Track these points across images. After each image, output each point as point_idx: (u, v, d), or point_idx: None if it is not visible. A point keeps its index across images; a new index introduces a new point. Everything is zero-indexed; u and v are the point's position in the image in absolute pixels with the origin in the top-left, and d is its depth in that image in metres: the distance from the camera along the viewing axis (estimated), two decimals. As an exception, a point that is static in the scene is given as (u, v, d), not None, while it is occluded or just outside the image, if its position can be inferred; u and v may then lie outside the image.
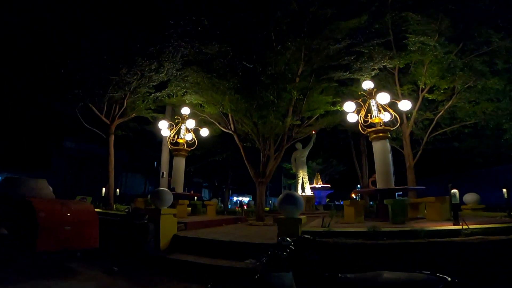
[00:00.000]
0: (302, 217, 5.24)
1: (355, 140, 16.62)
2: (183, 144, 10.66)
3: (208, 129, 11.51)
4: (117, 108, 11.56)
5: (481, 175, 15.55)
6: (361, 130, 9.10)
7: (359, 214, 7.20)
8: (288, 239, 3.05)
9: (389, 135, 8.53)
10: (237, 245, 5.59)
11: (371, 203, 14.29)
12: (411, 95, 10.75)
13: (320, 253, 3.20)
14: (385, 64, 8.71)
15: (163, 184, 12.02)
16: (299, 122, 10.01)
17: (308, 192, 17.70)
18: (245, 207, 17.74)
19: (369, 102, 8.87)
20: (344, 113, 11.99)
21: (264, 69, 8.36)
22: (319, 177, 25.46)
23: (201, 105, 12.61)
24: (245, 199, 38.56)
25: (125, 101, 11.11)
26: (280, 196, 5.24)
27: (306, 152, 17.72)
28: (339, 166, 29.81)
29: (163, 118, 11.84)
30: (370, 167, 16.06)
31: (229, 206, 25.24)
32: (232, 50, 8.68)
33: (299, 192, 17.67)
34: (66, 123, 16.43)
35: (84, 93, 9.65)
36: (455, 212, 5.45)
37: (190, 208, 11.15)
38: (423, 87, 10.05)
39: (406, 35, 9.17)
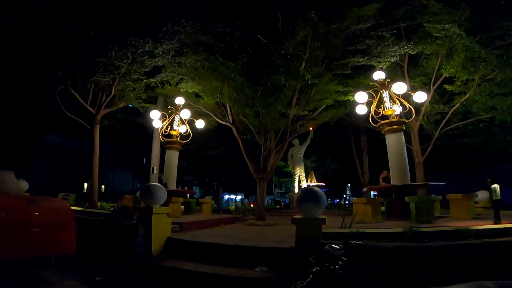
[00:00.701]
0: (324, 216, 4.37)
1: (355, 137, 15.92)
2: (177, 137, 9.65)
3: (204, 121, 10.51)
4: (104, 97, 10.43)
5: (491, 173, 15.07)
6: (371, 123, 8.35)
7: (376, 213, 6.40)
8: (336, 246, 2.14)
9: (404, 128, 7.79)
10: (244, 249, 4.68)
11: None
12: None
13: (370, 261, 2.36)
14: (408, 50, 7.91)
15: (153, 181, 10.98)
16: (306, 113, 9.15)
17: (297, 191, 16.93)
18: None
19: (381, 93, 8.14)
20: (350, 106, 11.30)
21: (278, 47, 7.40)
22: (313, 175, 24.77)
23: (196, 94, 11.64)
24: (237, 197, 37.61)
25: (113, 88, 10.01)
26: (299, 192, 4.37)
27: (303, 149, 16.91)
28: (332, 164, 29.18)
29: (155, 109, 10.79)
30: (371, 164, 15.42)
31: (221, 204, 24.27)
32: (242, 27, 7.64)
33: (296, 190, 16.87)
34: (48, 114, 15.11)
35: (66, 75, 8.50)
36: (496, 210, 4.70)
37: (183, 207, 10.17)
38: (447, 75, 9.30)
39: (424, 23, 8.43)
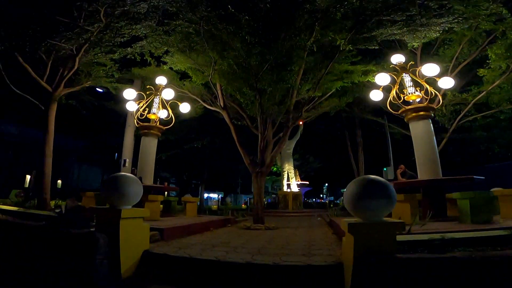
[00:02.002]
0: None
1: (350, 131, 14.74)
2: (156, 121, 7.77)
3: (190, 105, 8.70)
4: (66, 72, 8.32)
5: (496, 170, 14.52)
6: (389, 109, 7.03)
7: (415, 213, 5.01)
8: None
9: (432, 114, 6.52)
10: (263, 270, 3.06)
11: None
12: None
13: None
14: (455, 24, 6.59)
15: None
16: (319, 94, 7.65)
17: (295, 188, 15.50)
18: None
19: (401, 77, 6.87)
20: (357, 92, 9.99)
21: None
22: (297, 173, 23.58)
23: (182, 76, 9.80)
24: (216, 196, 35.66)
25: (77, 59, 7.93)
26: (355, 185, 2.81)
27: (292, 144, 15.52)
28: (315, 162, 28.16)
29: (130, 87, 8.78)
30: (366, 161, 14.28)
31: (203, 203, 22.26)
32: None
33: (285, 188, 15.43)
34: None
35: (9, 35, 6.39)
36: None
37: (162, 206, 8.31)
38: (491, 61, 8.10)
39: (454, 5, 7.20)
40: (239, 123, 8.97)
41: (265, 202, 32.90)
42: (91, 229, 3.41)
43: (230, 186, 39.18)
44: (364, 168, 13.66)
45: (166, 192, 11.73)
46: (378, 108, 11.87)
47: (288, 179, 15.68)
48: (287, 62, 6.39)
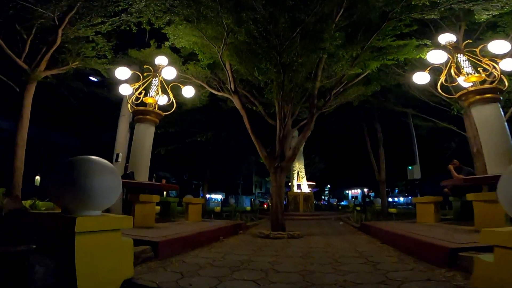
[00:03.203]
0: None
1: (369, 125, 13.24)
2: (153, 105, 6.33)
3: (195, 89, 7.26)
4: (49, 50, 6.91)
5: None
6: (441, 93, 5.66)
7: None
8: None
9: (501, 98, 5.10)
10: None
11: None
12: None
13: None
14: None
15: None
16: (360, 71, 6.19)
17: (306, 188, 14.03)
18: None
19: (455, 58, 5.51)
20: (385, 80, 8.58)
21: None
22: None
23: (185, 60, 8.39)
24: (217, 197, 34.15)
25: (59, 31, 6.51)
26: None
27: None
28: (320, 163, 26.68)
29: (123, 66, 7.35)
30: (387, 159, 12.79)
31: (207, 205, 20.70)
32: None
33: (295, 188, 13.97)
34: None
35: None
36: None
37: (159, 207, 6.86)
38: None
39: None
40: (254, 107, 7.53)
41: (270, 203, 31.44)
42: (31, 248, 1.95)
43: (232, 187, 37.63)
44: (385, 167, 12.20)
45: (165, 192, 10.26)
46: (402, 101, 10.44)
47: (298, 179, 14.24)
48: (320, 29, 4.96)
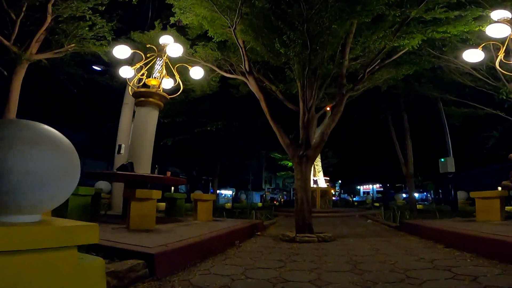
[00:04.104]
0: None
1: (395, 114, 12.00)
2: (157, 87, 5.42)
3: (203, 70, 6.33)
4: (40, 30, 6.09)
5: None
6: (500, 71, 4.59)
7: None
8: None
9: None
10: None
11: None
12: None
13: None
14: None
15: (119, 165, 6.63)
16: (402, 42, 5.08)
17: (323, 183, 12.99)
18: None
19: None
20: (418, 63, 7.45)
21: None
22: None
23: (192, 43, 7.48)
24: (227, 192, 33.35)
25: (49, 6, 5.66)
26: None
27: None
28: (333, 157, 25.50)
29: (123, 44, 6.48)
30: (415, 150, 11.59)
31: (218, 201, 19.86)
32: None
33: (311, 183, 12.95)
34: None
35: None
36: None
37: (164, 204, 6.00)
38: None
39: None
40: (273, 89, 6.56)
41: (282, 199, 30.35)
42: None
43: (242, 183, 36.72)
44: (413, 159, 11.00)
45: (172, 188, 9.41)
46: (435, 87, 9.24)
47: (314, 173, 13.21)
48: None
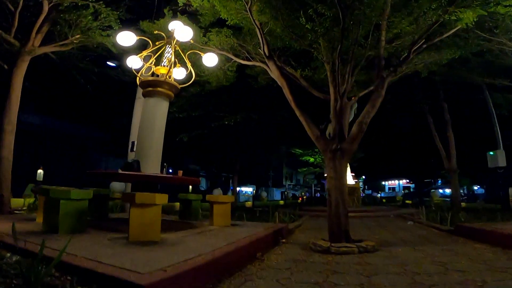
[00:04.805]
0: None
1: (434, 105, 10.74)
2: (166, 76, 4.81)
3: (215, 58, 5.65)
4: (38, 20, 5.69)
5: None
6: None
7: None
8: None
9: None
10: None
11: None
12: None
13: None
14: None
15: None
16: (455, 17, 4.15)
17: (350, 180, 12.01)
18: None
19: None
20: (464, 47, 6.38)
21: None
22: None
23: (206, 31, 6.87)
24: (248, 189, 32.86)
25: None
26: None
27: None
28: (359, 152, 24.19)
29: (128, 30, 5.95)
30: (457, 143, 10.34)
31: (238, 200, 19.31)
32: None
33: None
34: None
35: None
36: None
37: (178, 204, 5.43)
38: None
39: None
40: (293, 73, 5.80)
41: (304, 197, 29.31)
42: None
43: (262, 179, 36.05)
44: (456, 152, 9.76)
45: (190, 186, 8.88)
46: (479, 73, 8.03)
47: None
48: None
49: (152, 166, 4.07)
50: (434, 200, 12.73)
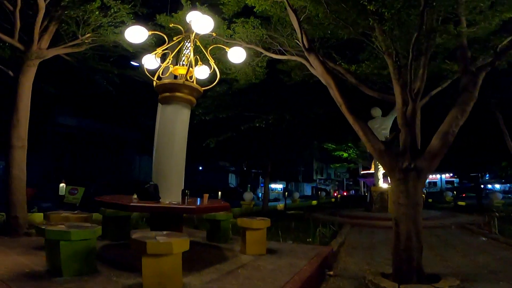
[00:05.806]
0: None
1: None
2: (186, 77, 4.04)
3: (243, 52, 4.80)
4: (46, 23, 5.19)
5: None
6: None
7: None
8: None
9: None
10: None
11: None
12: None
13: None
14: None
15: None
16: None
17: (382, 183, 10.71)
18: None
19: None
20: None
21: None
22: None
23: (229, 23, 6.03)
24: (278, 186, 31.99)
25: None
26: None
27: (388, 122, 10.61)
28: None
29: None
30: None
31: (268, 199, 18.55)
32: None
33: (380, 182, 10.75)
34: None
35: None
36: None
37: (208, 224, 4.72)
38: None
39: None
40: (337, 68, 4.84)
41: (338, 195, 27.85)
42: None
43: (292, 174, 34.88)
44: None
45: (220, 192, 8.22)
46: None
47: (376, 168, 10.98)
48: None
49: (173, 189, 3.36)
50: (494, 203, 10.98)
